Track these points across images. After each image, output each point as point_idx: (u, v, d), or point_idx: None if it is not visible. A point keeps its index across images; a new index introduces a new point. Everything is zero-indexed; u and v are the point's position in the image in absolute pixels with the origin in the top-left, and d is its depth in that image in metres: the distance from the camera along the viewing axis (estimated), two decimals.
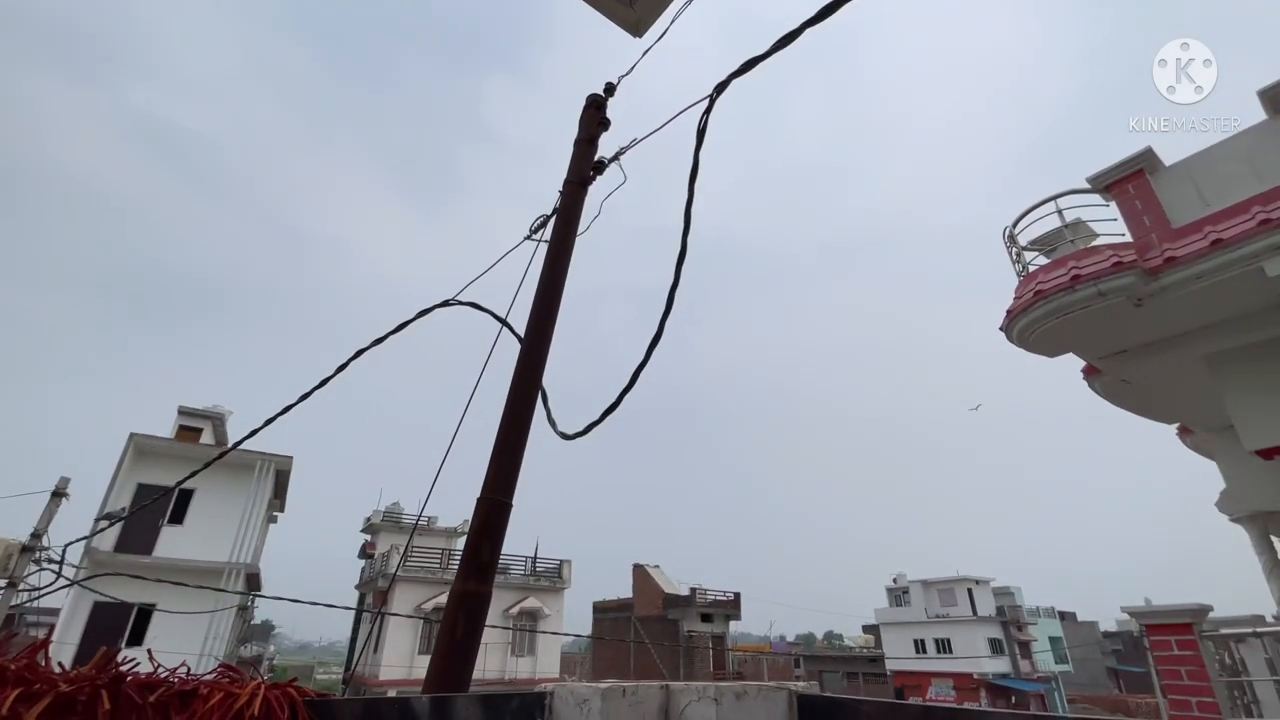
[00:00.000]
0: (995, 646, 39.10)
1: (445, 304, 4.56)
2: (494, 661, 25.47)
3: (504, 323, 3.88)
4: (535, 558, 28.87)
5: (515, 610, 26.94)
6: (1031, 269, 5.96)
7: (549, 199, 3.94)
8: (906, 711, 0.97)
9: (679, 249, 3.30)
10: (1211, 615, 4.54)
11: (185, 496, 18.90)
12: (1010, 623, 40.06)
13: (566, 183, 3.78)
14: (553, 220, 3.81)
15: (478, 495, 2.79)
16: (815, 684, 1.25)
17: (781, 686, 1.08)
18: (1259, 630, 4.38)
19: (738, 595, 37.63)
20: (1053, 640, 43.55)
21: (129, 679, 1.01)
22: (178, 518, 18.78)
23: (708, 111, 3.30)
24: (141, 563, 17.02)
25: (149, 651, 1.20)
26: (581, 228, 3.78)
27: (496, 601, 26.16)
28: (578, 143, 3.92)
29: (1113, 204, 5.81)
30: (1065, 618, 50.65)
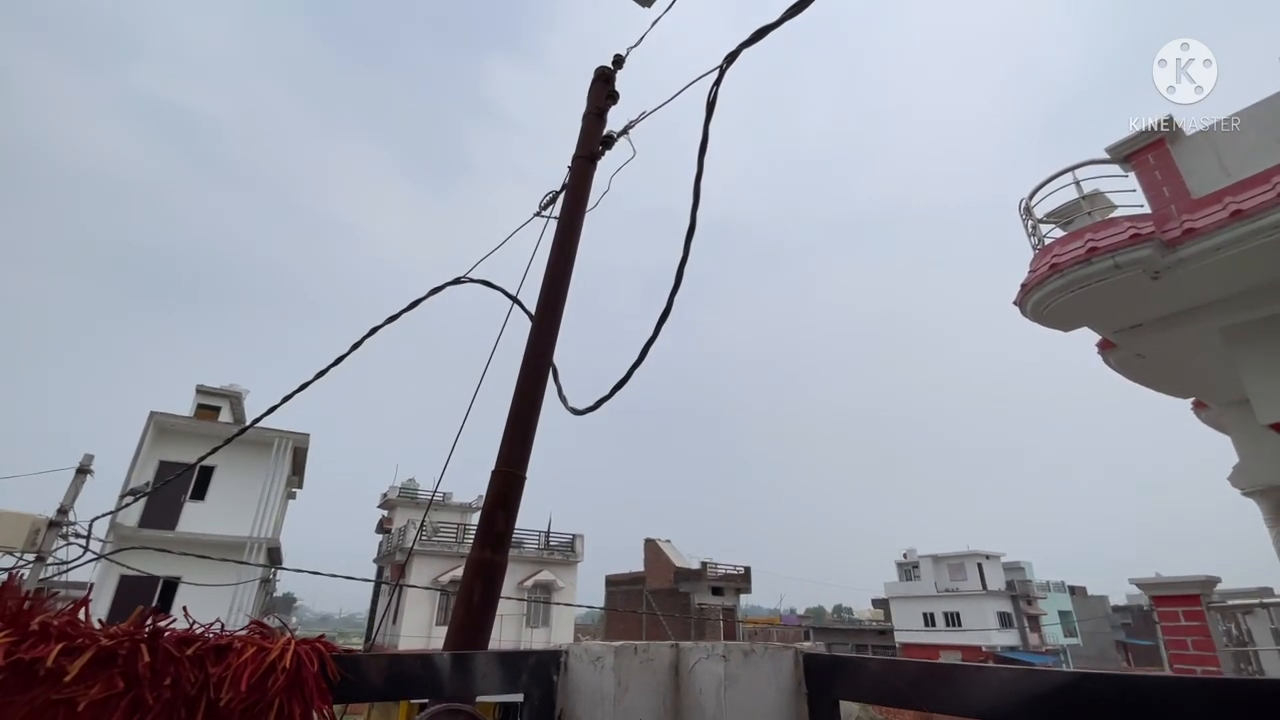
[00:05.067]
0: (1004, 620, 39.42)
1: (457, 281, 4.59)
2: (510, 632, 26.07)
3: (515, 300, 3.91)
4: (549, 532, 29.32)
5: (530, 583, 27.48)
6: (1048, 242, 5.88)
7: (556, 177, 3.93)
8: (906, 667, 1.00)
9: (688, 224, 3.30)
10: (1219, 588, 4.56)
11: (206, 473, 19.33)
12: (1020, 596, 40.30)
13: (575, 157, 3.76)
14: (562, 196, 3.80)
15: (492, 468, 2.85)
16: (820, 646, 1.29)
17: (788, 646, 1.12)
18: (1265, 601, 4.40)
19: (748, 569, 38.09)
20: (1062, 614, 43.82)
21: (167, 634, 1.07)
22: (199, 494, 19.24)
23: (718, 83, 3.26)
24: (166, 537, 17.49)
25: (184, 608, 1.27)
26: (591, 203, 3.78)
27: (511, 574, 26.67)
28: (586, 116, 3.89)
29: (1132, 175, 5.69)
30: (1075, 592, 50.82)
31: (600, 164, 3.85)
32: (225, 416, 22.15)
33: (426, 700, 1.32)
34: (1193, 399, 8.07)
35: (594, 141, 3.81)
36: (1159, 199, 5.42)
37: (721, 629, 35.00)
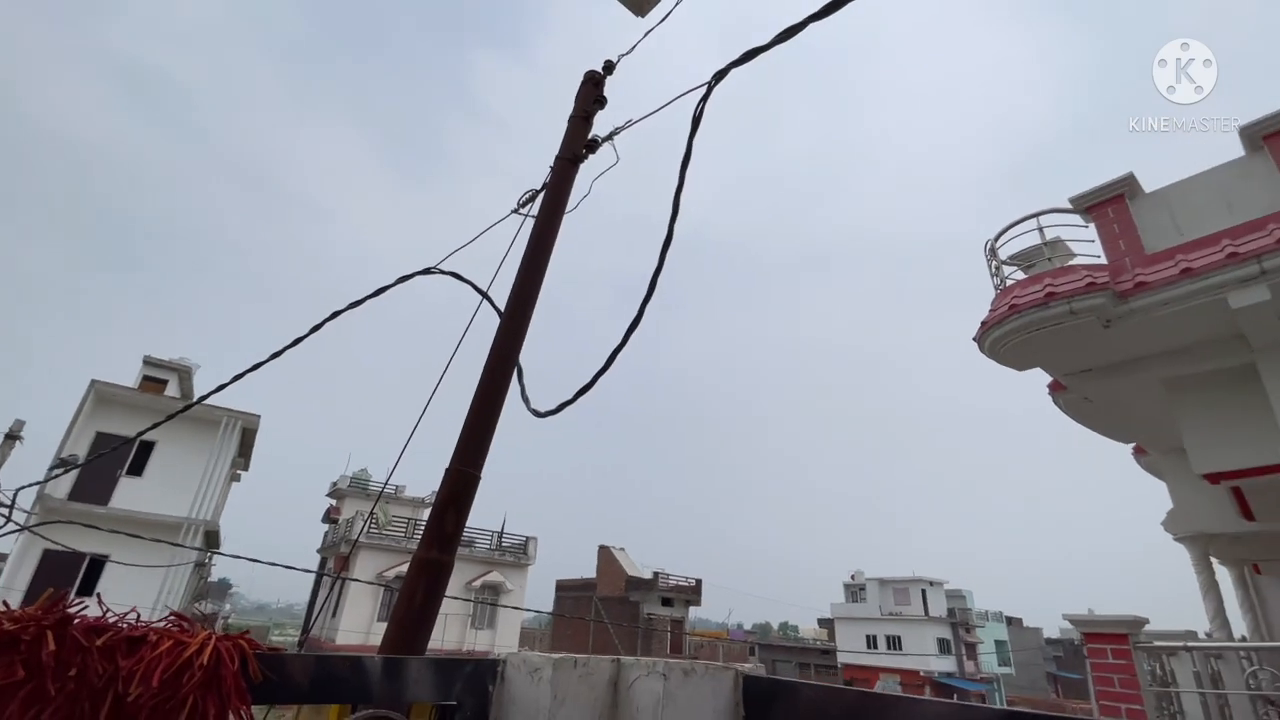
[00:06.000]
0: (943, 646, 40.36)
1: (426, 272, 4.50)
2: (453, 632, 25.55)
3: (485, 295, 3.85)
4: (501, 533, 28.92)
5: (478, 583, 27.01)
6: (1009, 283, 6.09)
7: (536, 177, 3.90)
8: (844, 696, 1.00)
9: (665, 235, 3.31)
10: (1147, 628, 4.75)
11: (146, 448, 18.49)
12: (959, 624, 41.35)
13: (558, 158, 3.74)
14: (541, 196, 3.77)
15: (447, 466, 2.79)
16: (762, 667, 1.29)
17: (729, 667, 1.11)
18: (1189, 645, 4.59)
19: (699, 582, 38.20)
20: (998, 643, 45.11)
21: (76, 621, 1.00)
22: (137, 469, 18.38)
23: (704, 99, 3.28)
24: (96, 512, 16.65)
25: (98, 596, 1.19)
26: (571, 205, 3.76)
27: (459, 574, 26.20)
28: (572, 119, 3.87)
29: (1092, 226, 5.94)
30: (1011, 623, 52.40)
31: (582, 167, 3.84)
32: (173, 391, 21.26)
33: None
34: (1134, 445, 8.43)
35: (578, 144, 3.80)
36: (1115, 251, 5.67)
37: (669, 640, 34.97)
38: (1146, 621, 4.48)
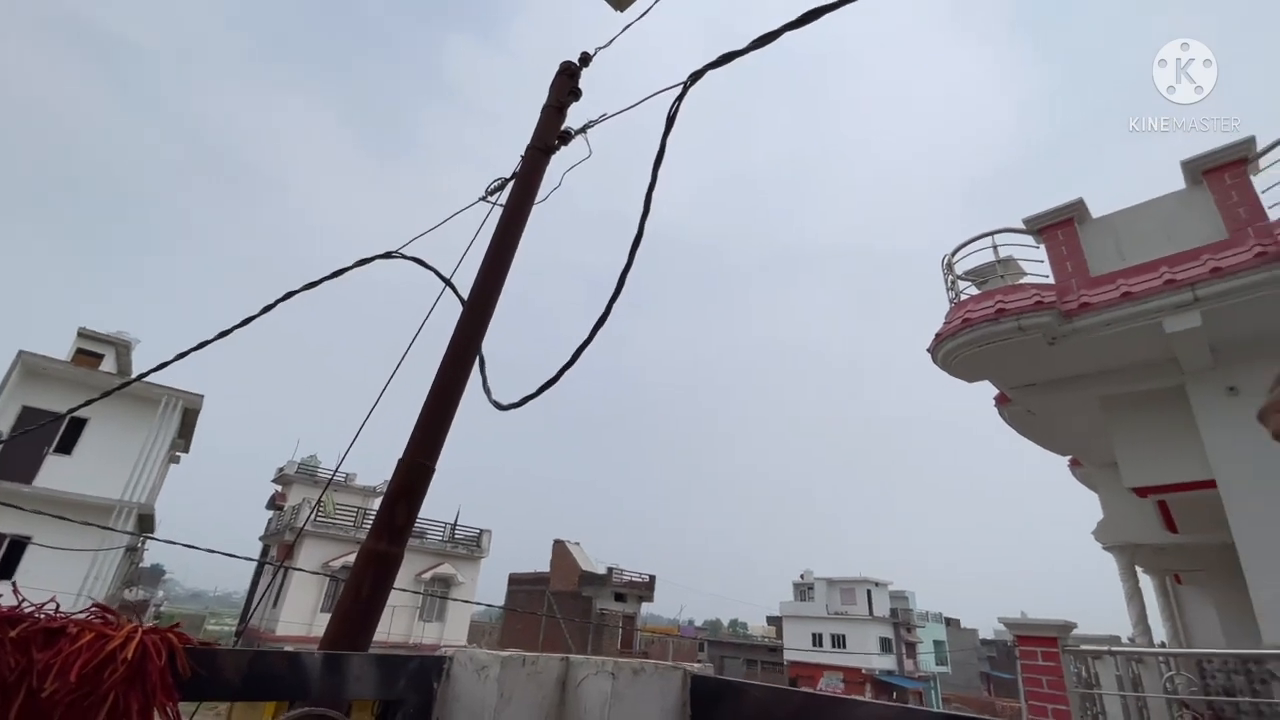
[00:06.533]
0: (885, 645, 41.65)
1: (388, 255, 4.38)
2: (400, 625, 25.07)
3: (447, 282, 3.77)
4: (455, 525, 28.48)
5: (428, 575, 26.55)
6: (963, 298, 6.30)
7: (505, 166, 3.84)
8: (791, 697, 1.02)
9: (635, 233, 3.31)
10: (1076, 632, 5.00)
11: (77, 425, 17.49)
12: (901, 624, 42.74)
13: (530, 148, 3.68)
14: (511, 185, 3.72)
15: (400, 456, 2.73)
16: (710, 666, 1.30)
17: (677, 667, 1.12)
18: (1113, 649, 4.84)
19: (653, 578, 38.42)
20: (936, 643, 46.79)
21: None
22: (66, 447, 17.37)
23: (680, 98, 3.29)
24: (20, 491, 15.68)
25: (14, 584, 1.12)
26: (541, 196, 3.71)
27: (409, 565, 25.71)
28: (546, 108, 3.82)
29: (1042, 246, 6.20)
30: (950, 624, 54.43)
31: (554, 159, 3.80)
32: (109, 366, 20.17)
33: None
34: (1070, 457, 8.85)
35: (550, 135, 3.75)
36: (1062, 272, 5.93)
37: (620, 636, 35.09)
38: (1075, 626, 4.71)
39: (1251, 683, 5.12)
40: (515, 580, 41.81)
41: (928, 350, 6.27)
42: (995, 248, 6.24)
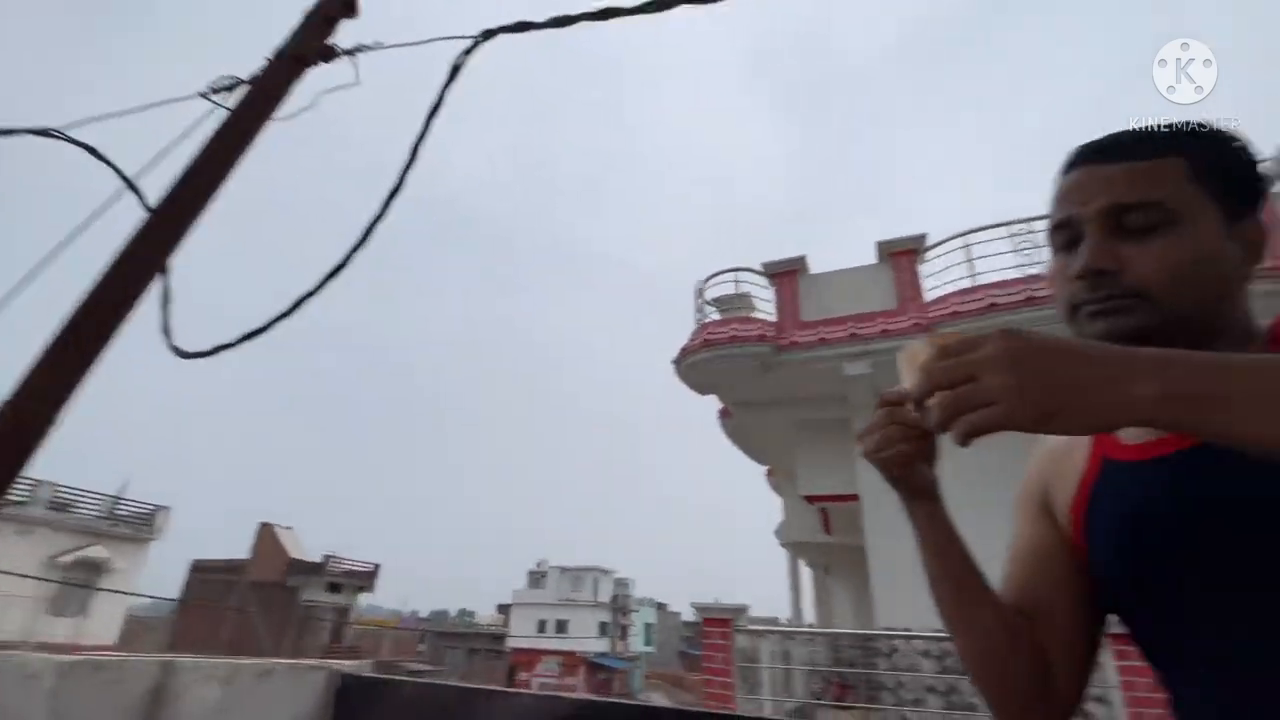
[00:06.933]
0: (603, 629, 44.83)
1: (44, 133, 3.29)
2: (14, 619, 19.13)
3: (128, 182, 2.95)
4: (119, 499, 22.85)
5: (70, 559, 20.80)
6: (708, 321, 7.08)
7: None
8: (444, 692, 0.95)
9: (395, 182, 3.00)
10: (753, 614, 5.92)
11: None
12: (619, 609, 46.46)
13: (282, 52, 3.08)
14: (247, 88, 3.06)
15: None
16: (424, 652, 1.18)
17: (322, 665, 0.97)
18: (771, 629, 5.85)
19: (377, 566, 35.64)
20: (647, 626, 51.95)
21: None
22: None
23: (468, 52, 3.07)
24: None
25: None
26: (286, 113, 3.13)
27: (41, 546, 19.89)
28: (310, 13, 3.24)
29: (773, 289, 7.28)
30: (661, 608, 60.87)
31: (310, 78, 3.24)
32: None
33: None
34: (768, 467, 10.54)
35: (311, 43, 3.19)
36: (782, 312, 7.03)
37: (329, 630, 31.75)
38: (747, 609, 5.56)
39: (866, 656, 6.60)
40: (200, 568, 35.07)
41: (673, 361, 6.89)
42: (737, 282, 7.16)
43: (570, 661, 41.79)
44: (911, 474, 0.69)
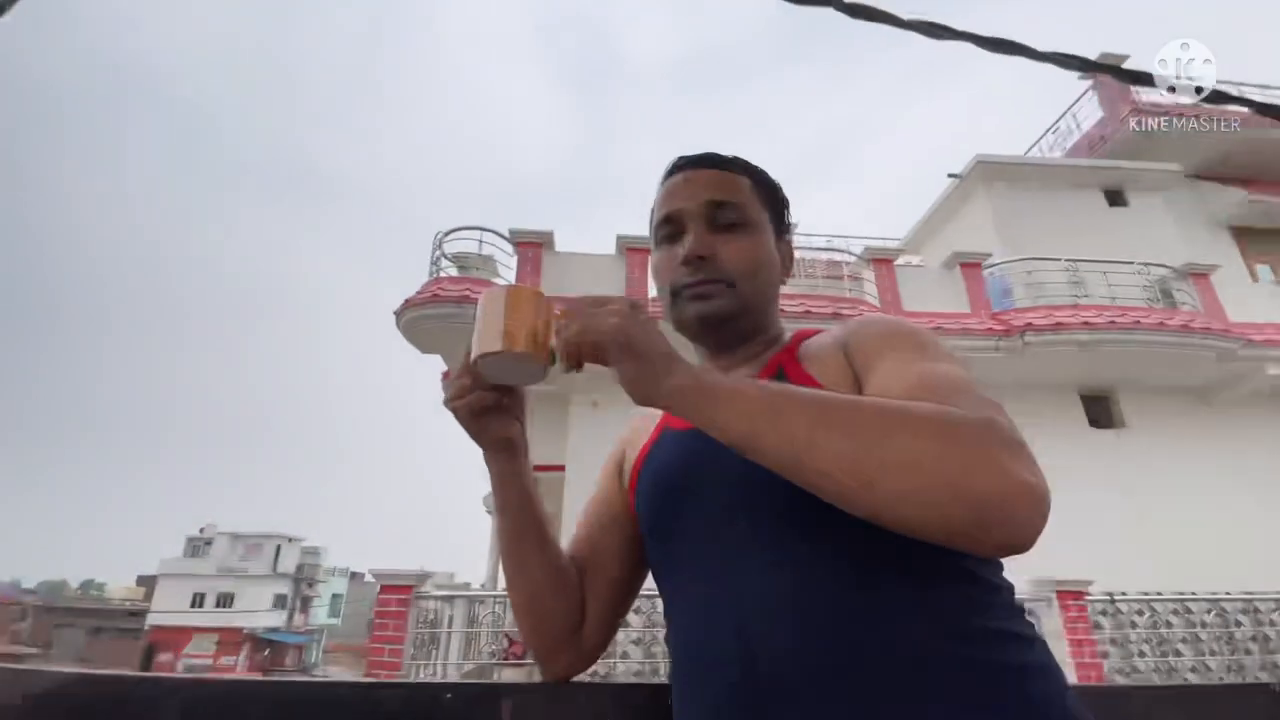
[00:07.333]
0: (280, 601, 39.77)
1: None
2: None
3: None
4: None
5: None
6: (442, 276, 6.68)
7: None
8: (102, 681, 0.69)
9: None
10: (458, 579, 5.77)
11: None
12: (303, 580, 41.75)
13: None
14: None
15: None
16: (24, 632, 0.77)
17: None
18: (457, 594, 5.80)
19: None
20: (335, 596, 47.72)
21: None
22: None
23: None
24: None
25: None
26: None
27: None
28: None
29: (515, 257, 7.20)
30: (354, 578, 56.49)
31: None
32: None
33: None
34: None
35: None
36: (522, 281, 7.00)
37: None
38: (431, 575, 5.42)
39: None
40: None
41: (395, 312, 6.33)
42: (480, 242, 6.90)
43: (230, 638, 36.20)
44: (487, 426, 0.70)
